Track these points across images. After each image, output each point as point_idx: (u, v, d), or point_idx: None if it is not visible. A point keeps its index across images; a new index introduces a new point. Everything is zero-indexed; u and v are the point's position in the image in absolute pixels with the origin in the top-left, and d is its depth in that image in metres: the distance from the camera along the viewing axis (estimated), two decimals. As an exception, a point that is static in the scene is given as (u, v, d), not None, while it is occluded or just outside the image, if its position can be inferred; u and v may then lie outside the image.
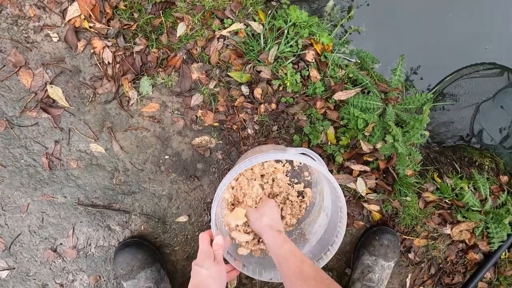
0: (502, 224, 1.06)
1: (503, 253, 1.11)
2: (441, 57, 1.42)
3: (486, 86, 1.40)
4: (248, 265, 0.81)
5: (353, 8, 1.33)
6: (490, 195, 1.11)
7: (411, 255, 1.11)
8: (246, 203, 0.86)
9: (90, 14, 0.94)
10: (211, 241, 0.76)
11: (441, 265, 1.13)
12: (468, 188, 1.09)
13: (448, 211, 1.09)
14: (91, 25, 0.95)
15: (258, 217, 0.83)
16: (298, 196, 0.93)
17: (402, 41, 1.39)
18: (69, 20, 0.95)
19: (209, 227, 1.04)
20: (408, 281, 1.12)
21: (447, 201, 1.08)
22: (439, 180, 1.11)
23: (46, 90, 0.96)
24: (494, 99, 1.40)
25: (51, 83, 0.96)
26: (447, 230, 1.08)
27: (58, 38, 0.96)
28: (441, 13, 1.41)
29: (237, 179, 0.89)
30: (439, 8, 1.41)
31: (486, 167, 1.24)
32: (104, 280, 1.03)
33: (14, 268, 0.99)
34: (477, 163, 1.25)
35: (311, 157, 0.76)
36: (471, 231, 1.10)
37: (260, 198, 0.87)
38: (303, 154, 0.76)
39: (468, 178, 1.15)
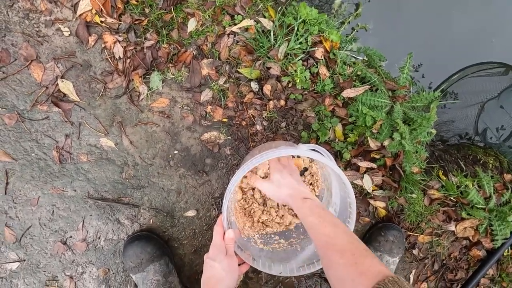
0: (505, 221, 1.08)
1: (506, 250, 1.13)
2: (444, 54, 1.42)
3: (491, 85, 1.41)
4: (258, 259, 0.82)
5: (361, 5, 1.33)
6: (494, 193, 1.12)
7: (415, 251, 1.12)
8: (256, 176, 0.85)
9: (101, 9, 0.94)
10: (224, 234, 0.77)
11: (444, 261, 1.14)
12: (473, 186, 1.11)
13: (453, 208, 1.10)
14: (102, 19, 0.95)
15: (275, 190, 0.78)
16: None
17: (405, 37, 1.40)
18: (81, 15, 0.95)
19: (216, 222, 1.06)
20: (411, 276, 1.14)
21: (452, 198, 1.10)
22: (444, 178, 1.12)
23: (57, 84, 0.96)
24: (499, 98, 1.41)
25: (62, 77, 0.97)
26: (452, 227, 1.10)
27: (69, 33, 0.96)
28: (445, 10, 1.41)
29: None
30: (443, 4, 1.41)
31: (490, 165, 1.25)
32: (113, 273, 1.04)
33: (24, 260, 1.00)
34: (481, 161, 1.26)
35: (321, 154, 0.77)
36: (475, 228, 1.11)
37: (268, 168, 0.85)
38: (314, 150, 0.77)
39: (473, 176, 1.16)
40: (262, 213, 0.91)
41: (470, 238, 1.13)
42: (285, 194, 0.76)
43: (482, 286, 1.15)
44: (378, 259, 0.58)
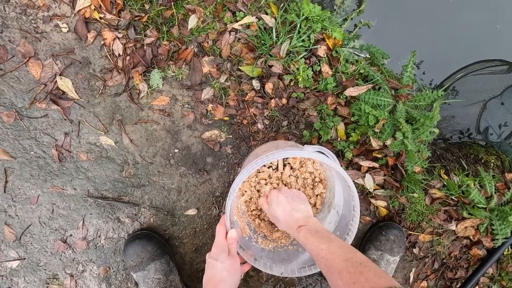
0: (506, 221, 1.08)
1: (506, 250, 1.13)
2: (447, 50, 1.41)
3: (494, 83, 1.40)
4: (259, 259, 0.82)
5: (364, 1, 1.31)
6: (495, 192, 1.12)
7: (415, 250, 1.12)
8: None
9: (100, 5, 0.92)
10: (226, 233, 0.77)
11: (444, 260, 1.15)
12: (474, 185, 1.10)
13: (454, 207, 1.10)
14: (102, 16, 0.93)
15: (276, 222, 0.82)
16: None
17: (407, 33, 1.37)
18: (79, 11, 0.93)
19: (217, 221, 1.05)
20: (411, 275, 1.14)
21: (453, 198, 1.09)
22: (446, 177, 1.12)
23: (56, 81, 0.95)
24: (502, 96, 1.40)
25: (60, 75, 0.95)
26: (452, 226, 1.10)
27: (67, 29, 0.94)
28: (448, 4, 1.39)
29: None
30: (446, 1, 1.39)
31: (492, 164, 1.25)
32: (114, 271, 1.04)
33: (24, 259, 1.00)
34: (482, 160, 1.26)
35: (327, 156, 0.76)
36: (476, 227, 1.11)
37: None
38: (319, 152, 0.76)
39: (474, 176, 1.16)
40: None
41: (471, 237, 1.13)
42: (283, 226, 0.80)
43: (481, 285, 1.16)
44: (373, 271, 0.59)
